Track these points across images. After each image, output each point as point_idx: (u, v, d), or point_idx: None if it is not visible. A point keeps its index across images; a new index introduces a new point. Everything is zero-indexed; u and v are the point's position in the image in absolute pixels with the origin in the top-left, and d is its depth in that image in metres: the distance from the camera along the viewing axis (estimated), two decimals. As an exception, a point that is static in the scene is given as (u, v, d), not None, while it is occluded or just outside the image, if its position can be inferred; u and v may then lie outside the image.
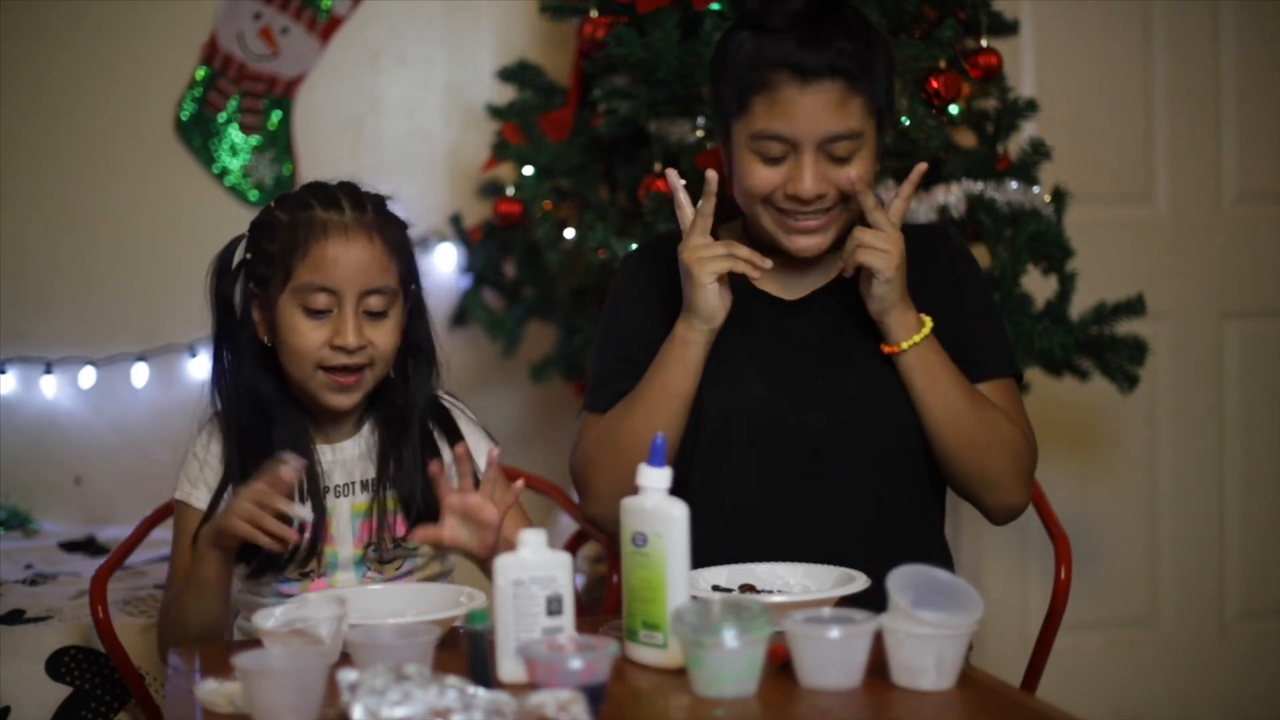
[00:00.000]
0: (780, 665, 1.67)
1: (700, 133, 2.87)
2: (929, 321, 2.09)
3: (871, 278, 2.05)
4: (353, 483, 2.10)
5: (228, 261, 2.10)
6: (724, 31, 2.17)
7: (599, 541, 2.63)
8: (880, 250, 2.03)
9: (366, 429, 2.13)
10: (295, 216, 2.04)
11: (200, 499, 2.09)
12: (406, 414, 2.11)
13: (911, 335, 2.08)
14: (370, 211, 2.06)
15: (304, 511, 1.95)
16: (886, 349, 2.09)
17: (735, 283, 2.18)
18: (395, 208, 2.12)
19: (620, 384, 2.19)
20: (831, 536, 2.07)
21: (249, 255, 2.08)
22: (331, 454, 2.11)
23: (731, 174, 2.14)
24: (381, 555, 2.09)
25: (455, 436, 2.14)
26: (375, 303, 2.04)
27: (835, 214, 2.10)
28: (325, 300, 2.02)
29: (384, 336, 2.05)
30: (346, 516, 2.10)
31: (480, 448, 2.12)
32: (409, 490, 2.08)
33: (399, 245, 2.07)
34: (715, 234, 2.25)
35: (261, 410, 2.07)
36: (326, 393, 2.05)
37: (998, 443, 2.10)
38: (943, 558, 2.16)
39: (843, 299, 2.17)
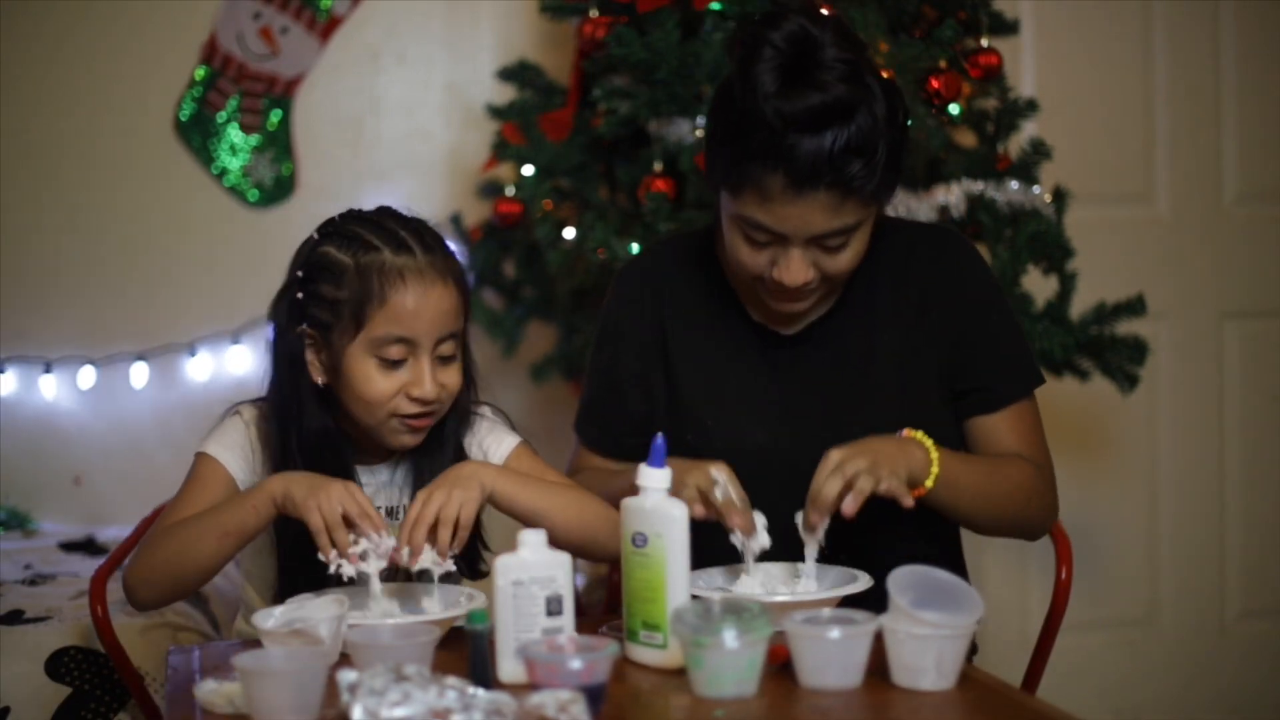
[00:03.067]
0: (780, 665, 1.67)
1: (700, 132, 2.87)
2: (927, 441, 1.98)
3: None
4: (378, 507, 2.06)
5: (283, 313, 2.01)
6: (731, 76, 2.00)
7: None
8: (862, 477, 1.88)
9: (398, 457, 2.08)
10: (362, 261, 1.94)
11: (233, 465, 2.02)
12: (444, 442, 2.06)
13: (929, 471, 1.96)
14: (439, 252, 1.98)
15: (368, 567, 1.86)
16: (916, 494, 1.94)
17: (731, 316, 2.16)
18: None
19: (607, 417, 2.21)
20: (870, 550, 2.01)
21: (300, 295, 1.99)
22: (368, 477, 2.07)
23: (718, 209, 2.08)
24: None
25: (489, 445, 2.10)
26: (448, 348, 1.98)
27: (822, 291, 2.06)
28: (401, 351, 1.95)
29: (454, 377, 2.00)
30: None
31: (500, 448, 2.10)
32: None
33: (463, 282, 2.01)
34: (710, 239, 2.22)
35: (317, 445, 2.02)
36: (398, 436, 2.00)
37: (1023, 501, 2.10)
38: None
39: (842, 330, 2.14)
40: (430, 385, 1.96)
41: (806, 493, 1.92)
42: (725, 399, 2.14)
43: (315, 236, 2.02)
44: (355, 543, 1.85)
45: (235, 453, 2.03)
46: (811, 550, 1.93)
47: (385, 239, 1.96)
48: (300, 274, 2.00)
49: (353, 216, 2.02)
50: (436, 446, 2.06)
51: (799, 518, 1.92)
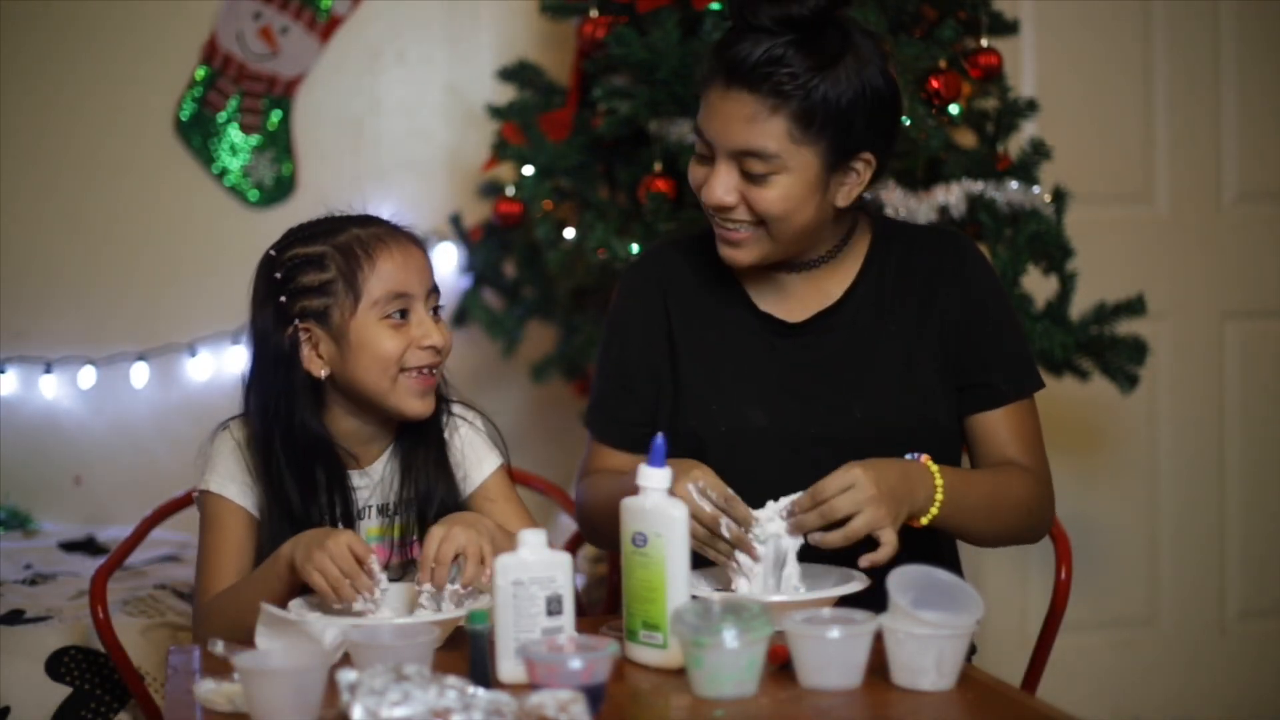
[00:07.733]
0: (780, 665, 1.67)
1: (700, 133, 2.87)
2: (939, 480, 1.96)
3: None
4: (370, 506, 2.07)
5: (268, 319, 2.03)
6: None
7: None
8: (860, 513, 1.87)
9: (388, 454, 2.09)
10: (338, 242, 2.02)
11: (239, 496, 2.04)
12: (426, 435, 2.08)
13: (927, 510, 1.95)
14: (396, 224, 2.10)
15: (375, 604, 1.88)
16: (911, 524, 1.95)
17: (736, 303, 2.17)
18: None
19: (617, 409, 2.20)
20: (844, 562, 1.99)
21: (284, 299, 2.01)
22: (361, 479, 2.08)
23: None
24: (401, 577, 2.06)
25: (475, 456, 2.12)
26: (435, 301, 2.07)
27: (754, 234, 2.05)
28: (402, 303, 2.02)
29: (448, 334, 2.07)
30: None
31: (481, 468, 2.11)
32: (425, 512, 2.05)
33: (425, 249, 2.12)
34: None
35: (311, 448, 2.03)
36: (410, 399, 2.03)
37: (1024, 514, 2.10)
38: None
39: (846, 321, 2.13)
40: (437, 333, 2.03)
41: (802, 477, 1.91)
42: (727, 382, 2.14)
43: (272, 252, 2.06)
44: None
45: (236, 482, 2.05)
46: (792, 543, 1.92)
47: (346, 222, 2.06)
48: (278, 276, 2.03)
49: (299, 227, 2.08)
50: (420, 439, 2.09)
51: (785, 503, 1.91)
